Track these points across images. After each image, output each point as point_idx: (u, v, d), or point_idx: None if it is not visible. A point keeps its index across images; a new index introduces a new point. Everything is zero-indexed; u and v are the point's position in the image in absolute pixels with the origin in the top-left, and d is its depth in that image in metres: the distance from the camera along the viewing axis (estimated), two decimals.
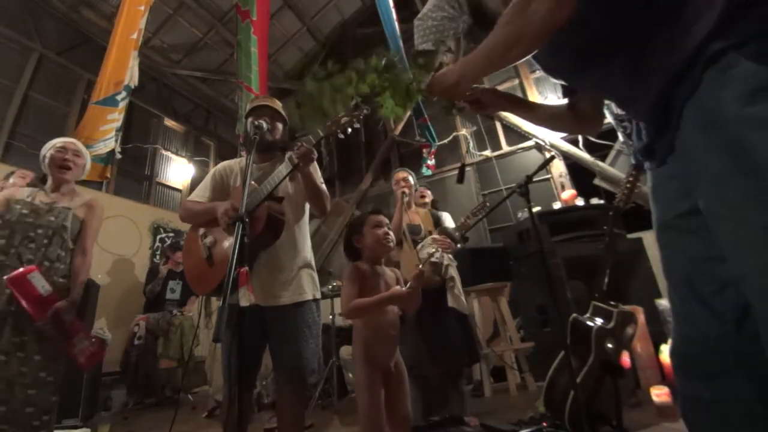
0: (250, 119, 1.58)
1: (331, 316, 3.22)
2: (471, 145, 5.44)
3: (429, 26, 0.92)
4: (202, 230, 1.60)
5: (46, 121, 4.47)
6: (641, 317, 2.23)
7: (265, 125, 1.48)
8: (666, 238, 0.68)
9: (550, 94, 5.00)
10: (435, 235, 2.28)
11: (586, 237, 2.90)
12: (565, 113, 0.92)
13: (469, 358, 2.24)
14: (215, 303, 3.37)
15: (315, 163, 1.52)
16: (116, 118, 3.45)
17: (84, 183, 2.21)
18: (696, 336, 0.62)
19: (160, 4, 4.90)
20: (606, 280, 1.85)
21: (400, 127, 5.97)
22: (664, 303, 2.53)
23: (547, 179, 4.69)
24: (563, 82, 0.84)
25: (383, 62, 0.95)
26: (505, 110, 1.00)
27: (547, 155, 4.64)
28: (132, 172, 5.31)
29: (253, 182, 1.40)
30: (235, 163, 1.73)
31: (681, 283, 0.65)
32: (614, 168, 4.32)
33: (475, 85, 0.91)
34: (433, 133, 5.38)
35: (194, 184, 5.36)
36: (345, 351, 3.05)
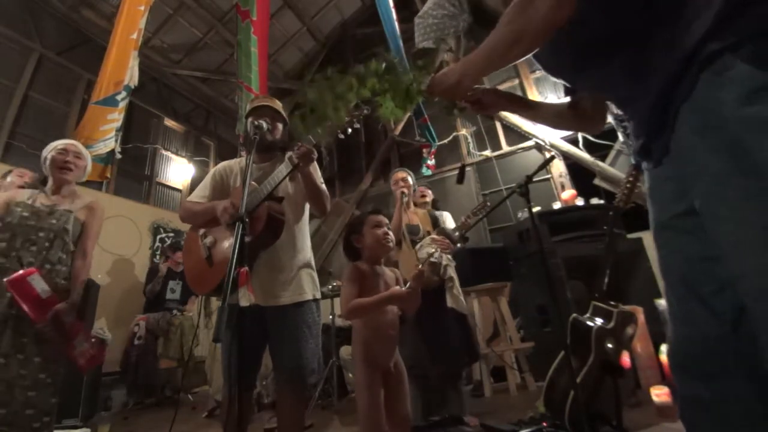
0: (250, 119, 1.58)
1: (331, 316, 3.22)
2: (471, 145, 5.44)
3: (429, 24, 0.92)
4: (202, 230, 1.60)
5: (46, 121, 4.47)
6: (641, 317, 2.23)
7: (265, 125, 1.48)
8: (663, 239, 0.69)
9: (550, 94, 5.00)
10: (434, 236, 2.28)
11: (586, 237, 2.90)
12: (566, 112, 0.92)
13: (469, 358, 2.24)
14: (215, 303, 3.37)
15: (315, 163, 1.52)
16: (116, 118, 3.45)
17: (84, 183, 2.21)
18: (696, 336, 0.62)
19: (160, 4, 4.90)
20: (606, 280, 1.85)
21: (400, 127, 5.97)
22: (664, 303, 2.53)
23: (547, 179, 4.69)
24: (564, 82, 0.84)
25: (383, 65, 0.95)
26: (506, 110, 1.00)
27: (547, 155, 4.64)
28: (132, 172, 5.31)
29: (253, 182, 1.40)
30: (235, 163, 1.73)
31: (679, 284, 0.65)
32: (614, 168, 4.32)
33: (476, 86, 0.91)
34: (433, 133, 5.38)
35: (194, 184, 5.36)
36: (345, 351, 3.05)
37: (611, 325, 1.76)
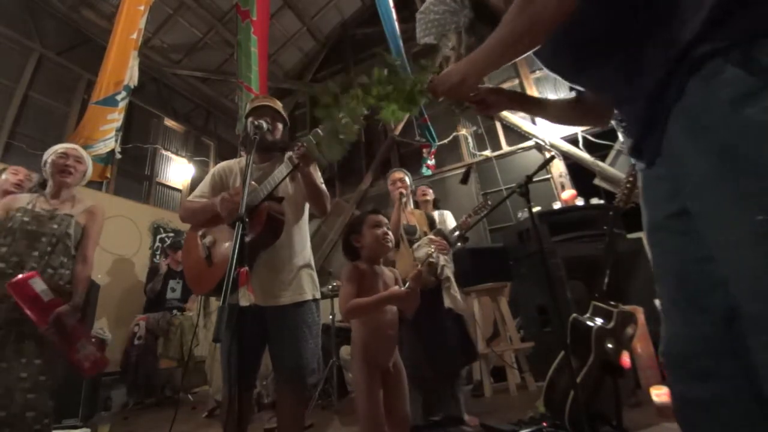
0: (250, 119, 1.58)
1: (331, 316, 3.22)
2: (471, 145, 5.44)
3: (431, 20, 0.92)
4: (201, 230, 1.60)
5: (46, 121, 4.47)
6: (641, 317, 2.23)
7: (265, 125, 1.48)
8: (657, 238, 0.69)
9: (550, 94, 5.00)
10: (431, 236, 2.28)
11: (586, 237, 2.90)
12: (573, 106, 0.92)
13: (466, 358, 2.24)
14: (215, 303, 3.37)
15: (315, 163, 1.52)
16: (116, 118, 3.45)
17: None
18: (690, 335, 0.62)
19: (160, 4, 4.90)
20: (606, 280, 1.84)
21: (400, 127, 5.97)
22: None
23: (547, 179, 4.69)
24: (566, 82, 0.85)
25: (385, 72, 0.94)
26: (510, 109, 0.99)
27: (547, 155, 4.64)
28: (132, 172, 5.31)
29: (253, 182, 1.40)
30: (234, 163, 1.73)
31: (673, 283, 0.65)
32: (614, 168, 4.32)
33: (479, 85, 0.91)
34: (433, 133, 5.38)
35: (194, 184, 5.36)
36: (345, 351, 3.05)
37: (611, 325, 1.75)
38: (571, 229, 2.97)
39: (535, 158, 4.86)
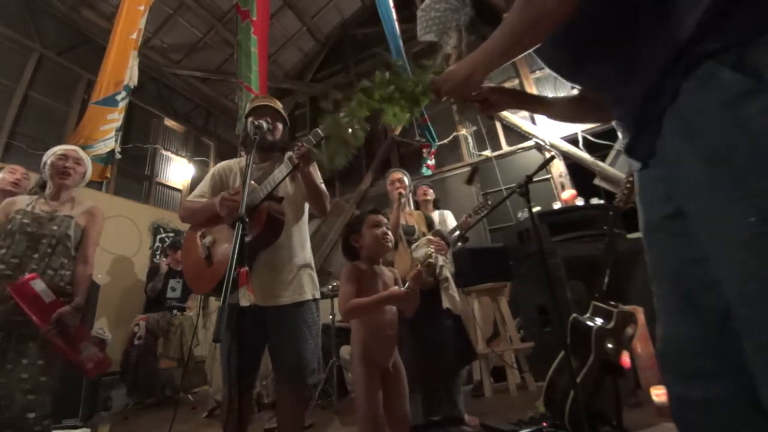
0: (250, 119, 1.58)
1: (331, 316, 3.22)
2: (471, 145, 5.44)
3: (432, 17, 0.92)
4: (201, 230, 1.60)
5: (46, 121, 4.47)
6: (641, 317, 2.23)
7: (265, 125, 1.49)
8: (654, 239, 0.69)
9: (550, 94, 4.99)
10: (429, 236, 2.28)
11: (586, 237, 2.90)
12: (577, 103, 0.91)
13: (464, 358, 2.24)
14: (214, 303, 3.38)
15: (315, 163, 1.52)
16: (116, 118, 3.45)
17: None
18: (690, 335, 0.62)
19: (160, 4, 4.91)
20: (606, 280, 1.84)
21: (399, 127, 5.97)
22: None
23: (547, 179, 4.69)
24: (567, 81, 0.85)
25: (387, 74, 0.94)
26: (513, 107, 0.99)
27: (547, 155, 4.64)
28: (132, 172, 5.31)
29: (252, 182, 1.40)
30: (234, 163, 1.72)
31: (669, 284, 0.65)
32: (614, 168, 4.32)
33: (482, 85, 0.90)
34: (433, 133, 5.38)
35: (194, 184, 5.36)
36: (345, 351, 3.05)
37: (611, 325, 1.75)
38: (571, 229, 2.97)
39: (535, 158, 4.86)
